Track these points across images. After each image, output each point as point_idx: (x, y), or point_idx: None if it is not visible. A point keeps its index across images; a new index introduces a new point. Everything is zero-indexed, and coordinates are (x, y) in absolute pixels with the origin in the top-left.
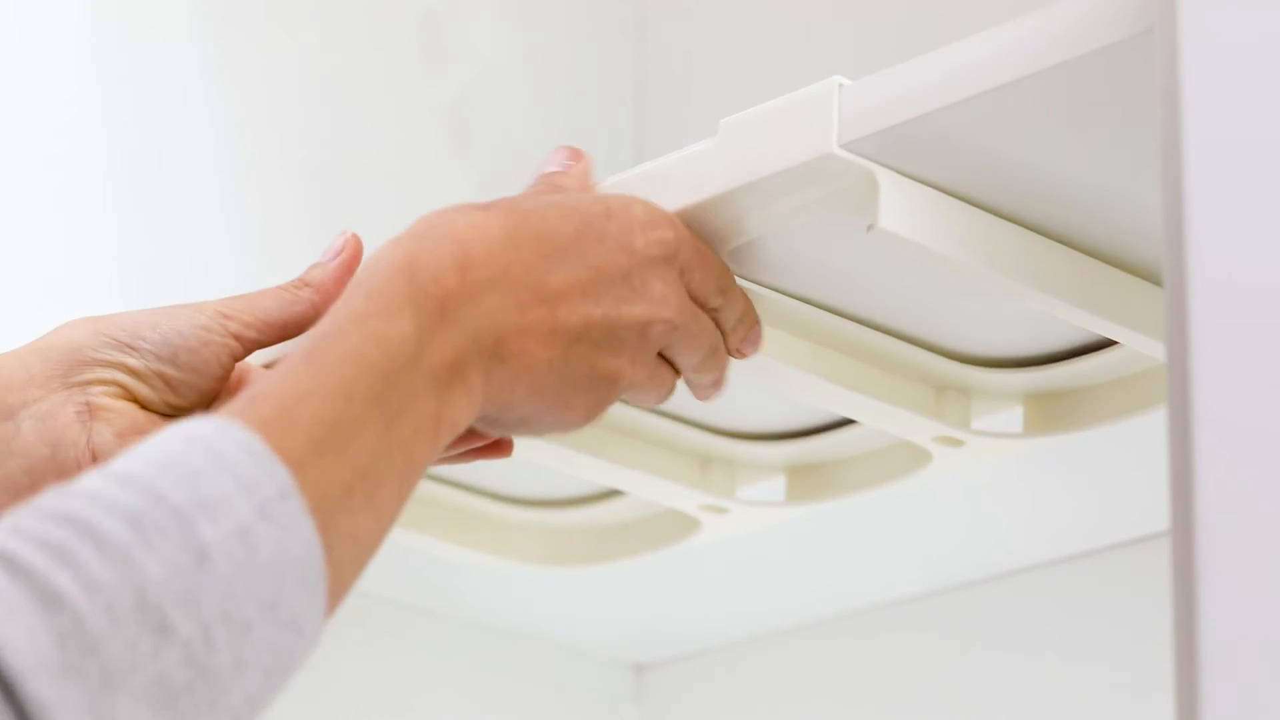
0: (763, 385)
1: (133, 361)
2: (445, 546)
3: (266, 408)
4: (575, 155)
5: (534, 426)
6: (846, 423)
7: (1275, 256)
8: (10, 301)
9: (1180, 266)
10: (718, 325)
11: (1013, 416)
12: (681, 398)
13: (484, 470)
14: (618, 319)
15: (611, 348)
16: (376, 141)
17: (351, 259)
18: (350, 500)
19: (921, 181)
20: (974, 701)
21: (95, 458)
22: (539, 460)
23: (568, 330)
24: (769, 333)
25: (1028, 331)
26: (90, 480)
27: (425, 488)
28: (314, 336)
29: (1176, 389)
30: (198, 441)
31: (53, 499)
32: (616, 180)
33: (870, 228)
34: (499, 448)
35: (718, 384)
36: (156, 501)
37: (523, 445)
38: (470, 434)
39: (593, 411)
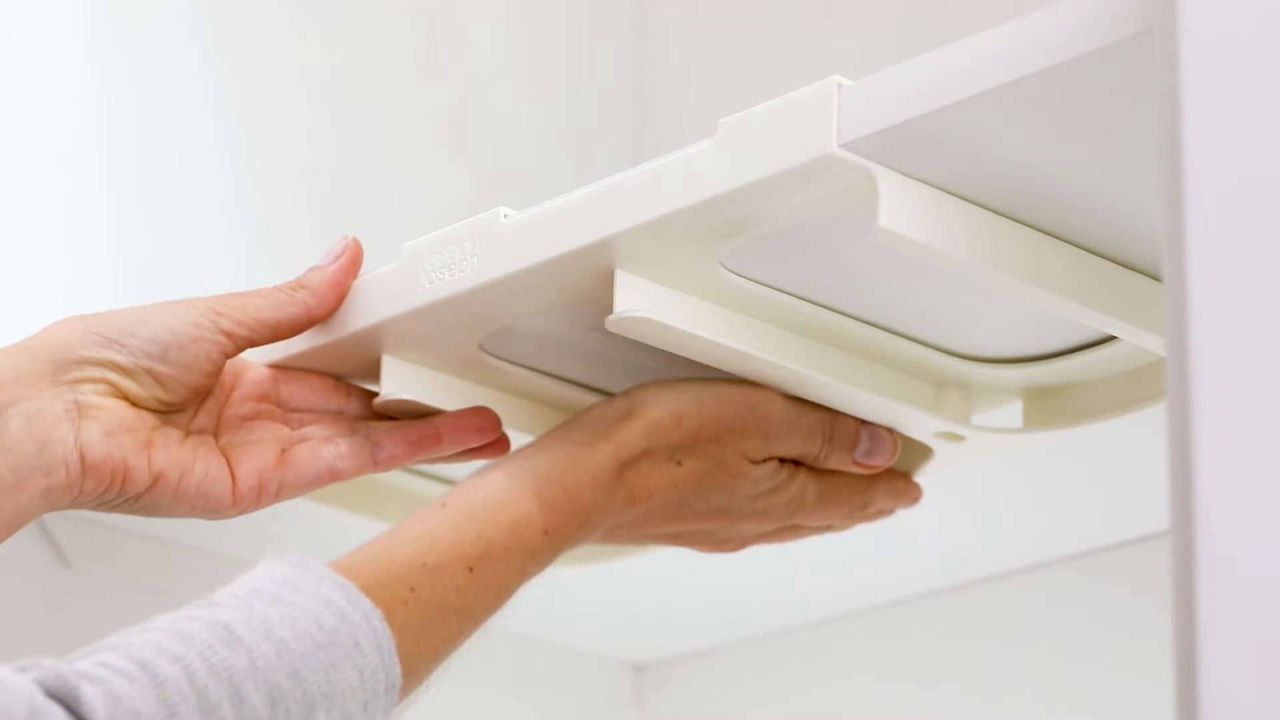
0: (760, 383)
1: (121, 359)
2: None
3: (416, 612)
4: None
5: None
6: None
7: (1275, 255)
8: (12, 301)
9: (1180, 265)
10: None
11: (1013, 411)
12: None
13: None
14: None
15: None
16: (376, 141)
17: (350, 263)
18: (427, 679)
19: (921, 181)
20: (974, 701)
21: (83, 456)
22: None
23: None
24: (767, 330)
25: (1028, 328)
26: (253, 634)
27: (423, 486)
28: (489, 542)
29: (1176, 388)
30: (347, 626)
31: (221, 648)
32: (617, 180)
33: (870, 227)
34: (495, 447)
35: (885, 508)
36: (296, 684)
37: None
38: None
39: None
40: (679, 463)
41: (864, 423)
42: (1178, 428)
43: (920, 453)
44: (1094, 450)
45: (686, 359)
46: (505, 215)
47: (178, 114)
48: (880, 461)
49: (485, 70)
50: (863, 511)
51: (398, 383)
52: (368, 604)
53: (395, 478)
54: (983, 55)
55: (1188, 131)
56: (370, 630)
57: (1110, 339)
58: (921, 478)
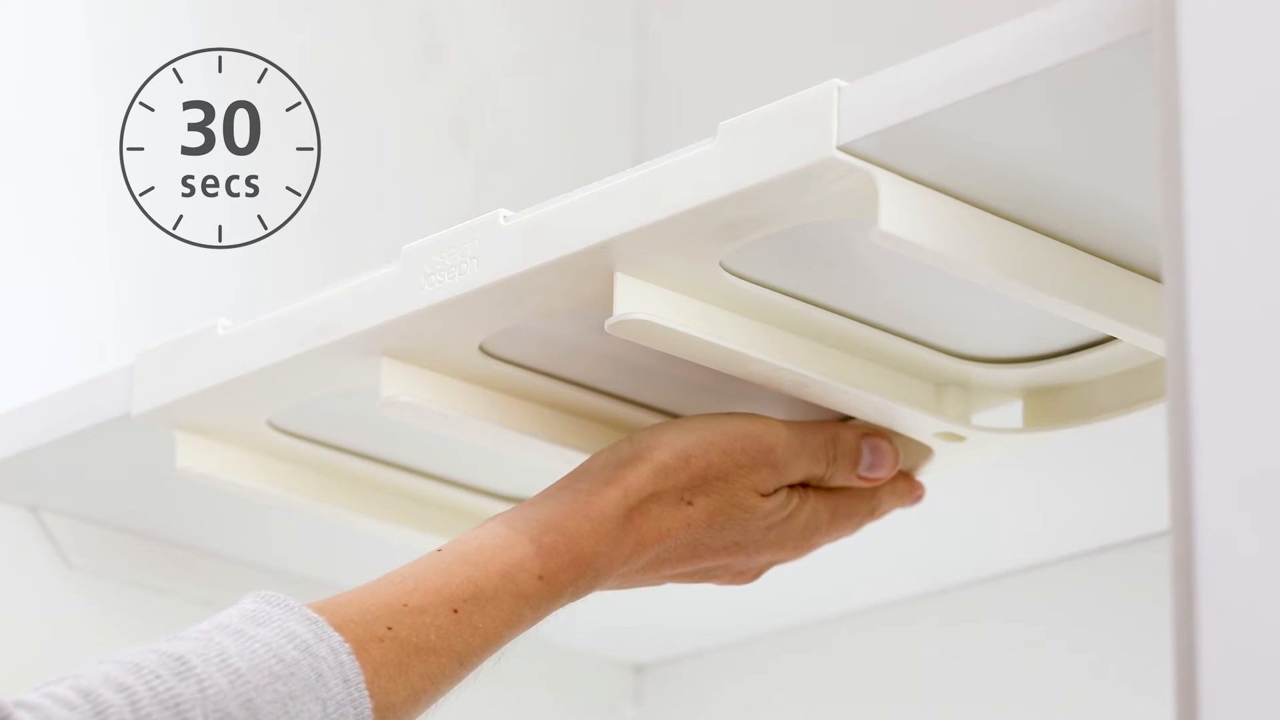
0: (760, 385)
1: None
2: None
3: (391, 650)
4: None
5: None
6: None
7: (1275, 256)
8: (13, 301)
9: (1180, 266)
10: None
11: (1013, 411)
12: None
13: (482, 469)
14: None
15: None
16: (377, 142)
17: None
18: (411, 718)
19: (921, 182)
20: (974, 701)
21: None
22: (537, 459)
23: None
24: (767, 332)
25: (1028, 328)
26: (206, 665)
27: (423, 486)
28: (477, 585)
29: (1176, 389)
30: (310, 659)
31: (170, 678)
32: (617, 182)
33: (870, 230)
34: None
35: (892, 504)
36: (250, 714)
37: (520, 444)
38: None
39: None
40: (690, 503)
41: (864, 435)
42: (1178, 428)
43: (920, 453)
44: (1094, 450)
45: (687, 360)
46: (505, 217)
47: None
48: (883, 474)
49: (485, 70)
50: (871, 516)
51: (398, 385)
52: (336, 638)
53: (395, 478)
54: (983, 55)
55: (1188, 131)
56: (337, 664)
57: (1110, 339)
58: (922, 477)
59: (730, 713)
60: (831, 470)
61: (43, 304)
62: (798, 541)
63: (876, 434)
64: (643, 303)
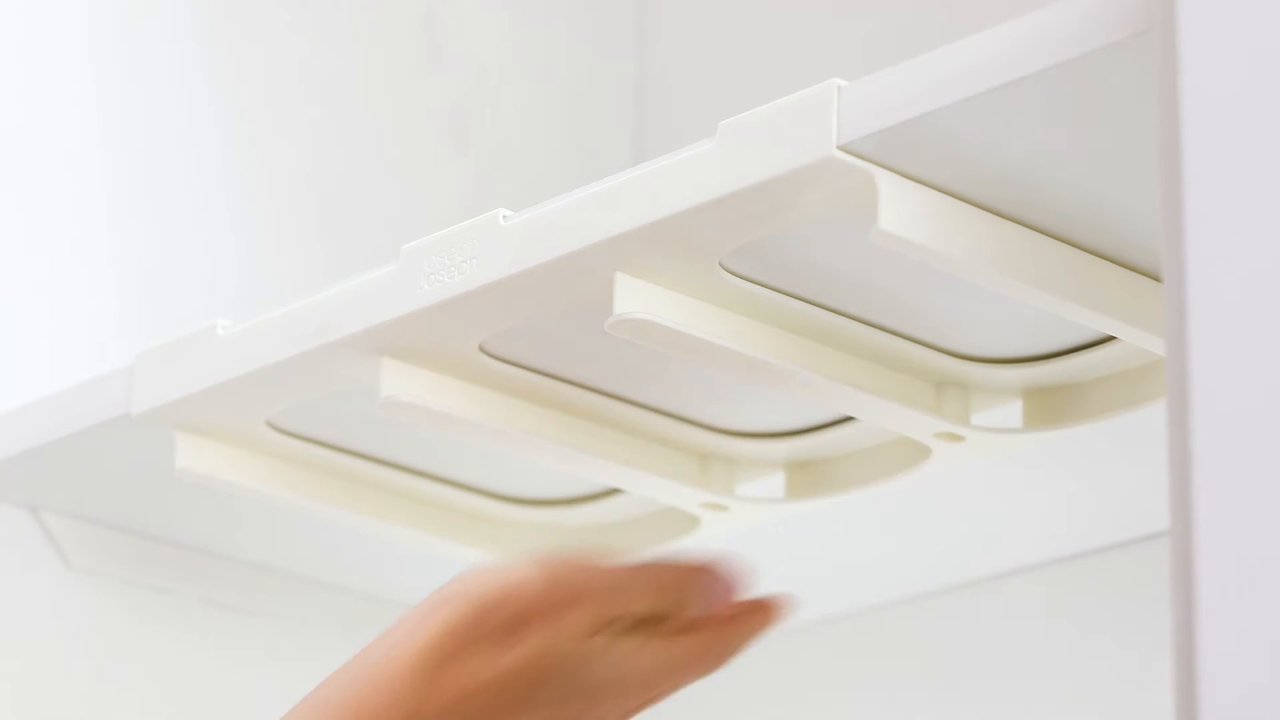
0: (761, 384)
1: None
2: (445, 545)
3: None
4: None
5: None
6: (846, 419)
7: (1275, 256)
8: (12, 301)
9: (1180, 266)
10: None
11: (1012, 411)
12: (681, 394)
13: (482, 469)
14: None
15: None
16: (376, 142)
17: None
18: None
19: (921, 182)
20: (973, 701)
21: None
22: (538, 459)
23: None
24: (767, 331)
25: (1028, 328)
26: None
27: (423, 486)
28: None
29: (1176, 389)
30: None
31: None
32: (617, 182)
33: (870, 229)
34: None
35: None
36: None
37: (520, 444)
38: None
39: None
40: (504, 653)
41: (694, 567)
42: (1178, 428)
43: (911, 455)
44: (1094, 450)
45: (687, 360)
46: (505, 217)
47: (178, 114)
48: (735, 594)
49: (485, 70)
50: (734, 653)
51: (398, 385)
52: None
53: (395, 478)
54: (983, 55)
55: (1188, 131)
56: None
57: (1110, 339)
58: (922, 477)
59: (730, 712)
60: (669, 607)
61: (43, 304)
62: (639, 688)
63: (706, 566)
64: (643, 303)
